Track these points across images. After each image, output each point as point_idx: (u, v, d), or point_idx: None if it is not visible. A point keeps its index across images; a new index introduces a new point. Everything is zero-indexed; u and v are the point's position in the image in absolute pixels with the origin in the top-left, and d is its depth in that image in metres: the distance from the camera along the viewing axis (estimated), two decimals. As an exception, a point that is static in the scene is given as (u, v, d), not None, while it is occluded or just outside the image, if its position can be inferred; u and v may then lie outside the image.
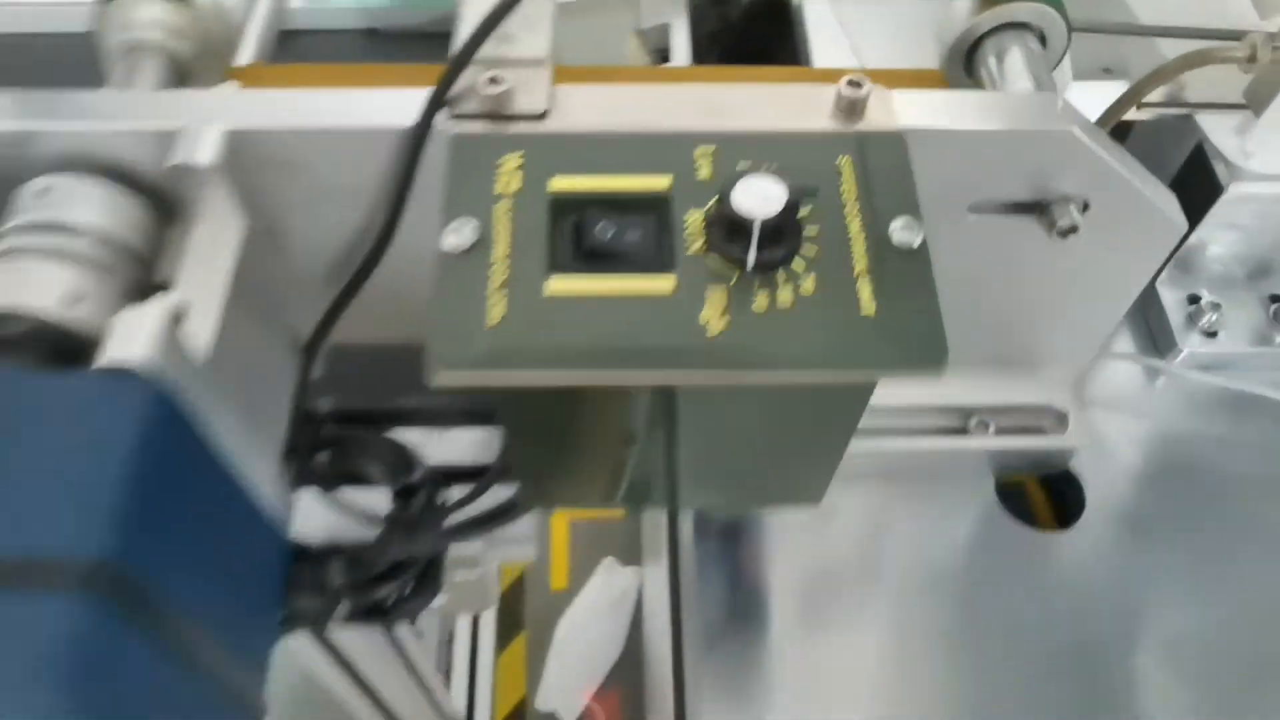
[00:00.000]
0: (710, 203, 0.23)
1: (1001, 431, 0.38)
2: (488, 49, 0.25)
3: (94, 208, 0.26)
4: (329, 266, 0.30)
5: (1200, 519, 0.38)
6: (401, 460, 0.34)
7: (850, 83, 0.26)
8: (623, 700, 1.27)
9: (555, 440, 0.26)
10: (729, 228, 0.22)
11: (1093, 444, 0.39)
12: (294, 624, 0.33)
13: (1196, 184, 0.39)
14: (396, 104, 0.26)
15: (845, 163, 0.25)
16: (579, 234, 0.23)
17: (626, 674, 1.28)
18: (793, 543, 0.37)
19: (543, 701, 1.26)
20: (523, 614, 1.34)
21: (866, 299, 0.22)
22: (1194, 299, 0.42)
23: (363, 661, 0.49)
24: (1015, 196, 0.29)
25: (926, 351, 0.22)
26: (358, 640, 0.44)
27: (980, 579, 0.37)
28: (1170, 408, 0.42)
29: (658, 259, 0.23)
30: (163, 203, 0.27)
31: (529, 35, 0.27)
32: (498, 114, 0.26)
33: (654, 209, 0.24)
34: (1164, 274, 0.42)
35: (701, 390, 0.23)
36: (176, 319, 0.23)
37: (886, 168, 0.25)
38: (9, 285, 0.24)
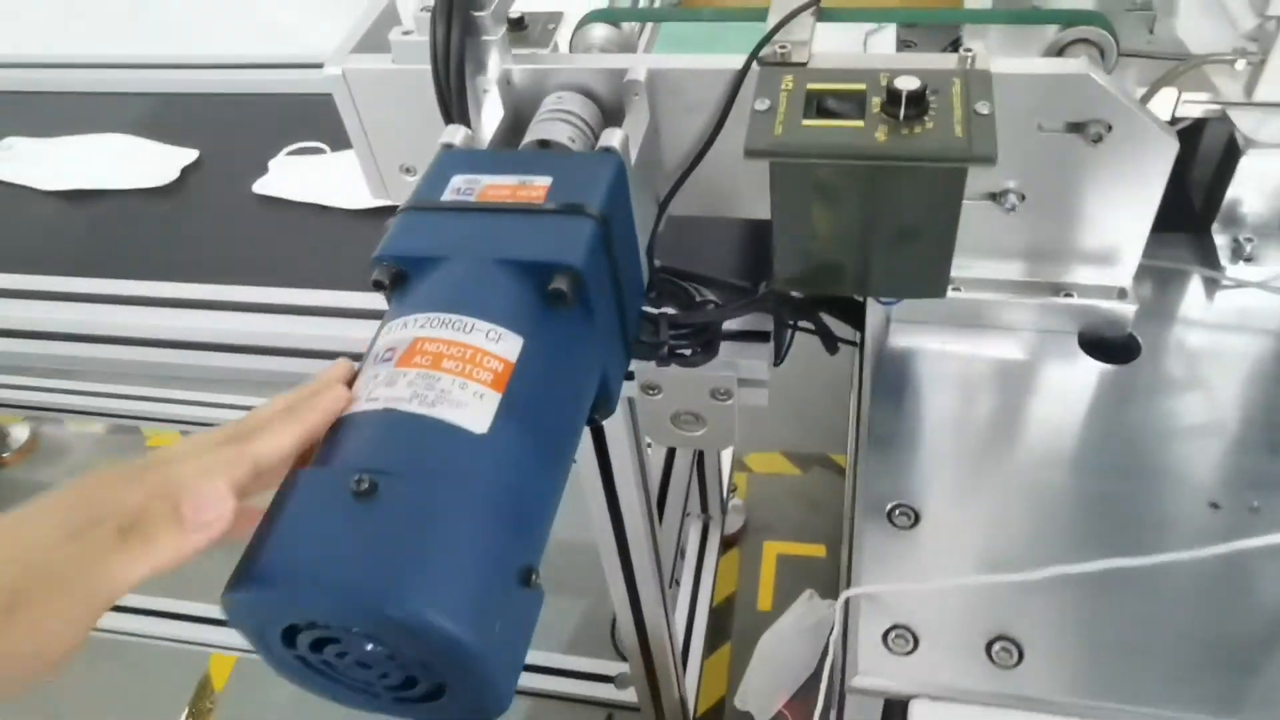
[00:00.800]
0: (886, 84, 0.48)
1: (1082, 296, 0.58)
2: (781, 34, 0.52)
3: (580, 105, 0.54)
4: (679, 155, 0.57)
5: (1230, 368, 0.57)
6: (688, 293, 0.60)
7: (966, 49, 0.50)
8: (811, 712, 1.42)
9: (800, 216, 0.50)
10: (891, 98, 0.47)
11: (1151, 319, 0.58)
12: (637, 351, 0.58)
13: (1228, 155, 0.60)
14: (729, 62, 0.53)
15: (958, 80, 0.49)
16: (820, 105, 0.49)
17: (816, 693, 1.43)
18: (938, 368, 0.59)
19: (741, 701, 1.44)
20: (730, 627, 1.54)
21: (960, 132, 0.46)
22: (1236, 239, 0.61)
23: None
24: (1066, 119, 0.52)
25: (989, 153, 0.45)
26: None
27: (1067, 398, 0.57)
28: (1219, 312, 0.61)
29: (857, 114, 0.48)
30: (605, 108, 0.55)
31: (799, 25, 0.53)
32: (783, 62, 0.52)
33: (855, 96, 0.49)
34: (1215, 224, 0.62)
35: (873, 171, 0.47)
36: (624, 142, 0.50)
37: (979, 83, 0.49)
38: (548, 130, 0.53)
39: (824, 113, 0.49)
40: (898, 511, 0.52)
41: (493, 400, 0.39)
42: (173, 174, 0.93)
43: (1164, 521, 0.50)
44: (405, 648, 0.35)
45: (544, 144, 0.52)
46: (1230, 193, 0.60)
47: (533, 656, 1.30)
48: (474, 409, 0.39)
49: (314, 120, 0.96)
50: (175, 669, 1.55)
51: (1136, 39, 0.63)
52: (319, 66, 1.02)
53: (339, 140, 0.93)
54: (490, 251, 0.44)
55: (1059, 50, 0.56)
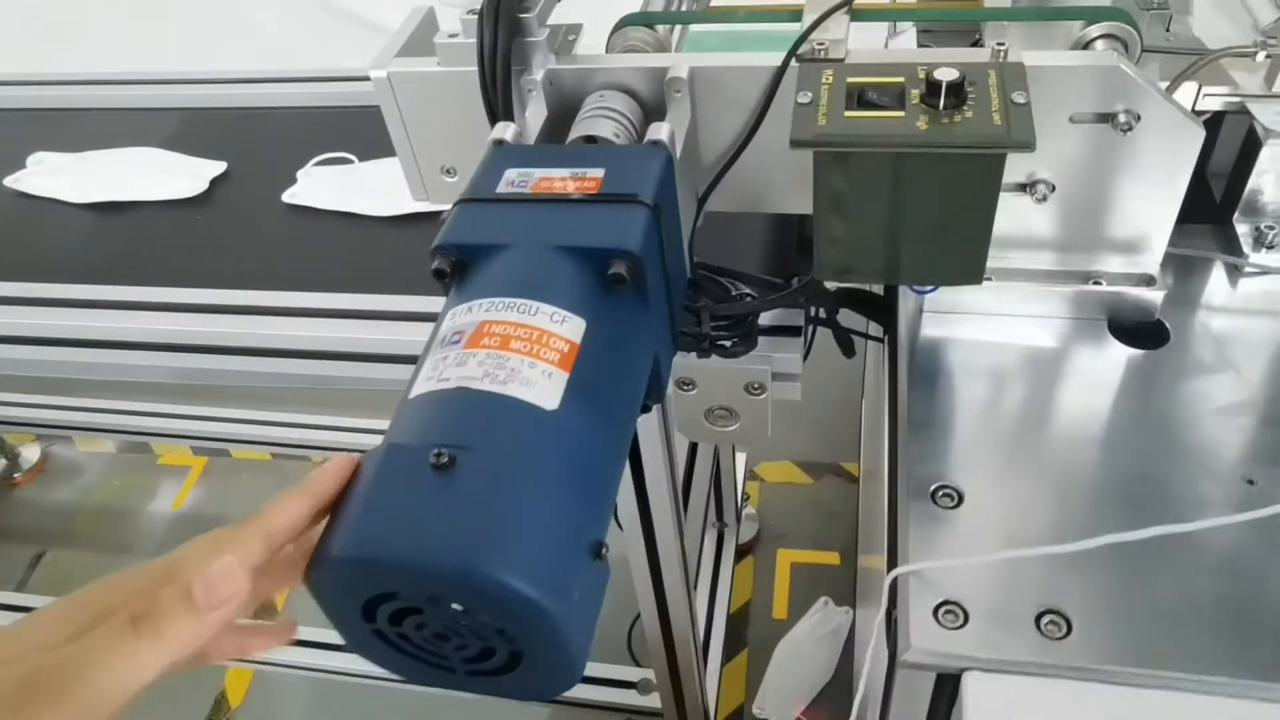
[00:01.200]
0: (924, 78, 0.50)
1: (1111, 283, 0.60)
2: (816, 32, 0.54)
3: (623, 103, 0.56)
4: (717, 152, 0.59)
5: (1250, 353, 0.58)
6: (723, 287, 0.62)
7: (999, 43, 0.52)
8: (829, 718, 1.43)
9: (842, 205, 0.52)
10: (930, 89, 0.49)
11: (1178, 306, 0.60)
12: (680, 343, 0.59)
13: (1248, 146, 0.62)
14: (768, 59, 0.55)
15: (993, 72, 0.51)
16: (860, 98, 0.50)
17: (833, 699, 1.44)
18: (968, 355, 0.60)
19: (759, 708, 1.44)
20: (747, 635, 1.54)
21: (999, 120, 0.48)
22: (1258, 228, 0.63)
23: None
24: (1096, 109, 0.54)
25: (1028, 139, 0.47)
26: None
27: (1099, 383, 0.59)
28: (1244, 298, 0.62)
29: (897, 105, 0.49)
30: (645, 106, 0.57)
31: (833, 24, 0.55)
32: (822, 59, 0.54)
33: (895, 89, 0.50)
34: (1237, 213, 0.64)
35: (916, 159, 0.49)
36: (670, 136, 0.52)
37: (1013, 74, 0.50)
38: (593, 127, 0.54)
39: (865, 104, 0.50)
40: (941, 493, 0.53)
41: (560, 379, 0.40)
42: (202, 185, 0.94)
43: (1202, 498, 0.51)
44: (487, 613, 0.36)
45: (590, 140, 0.54)
46: (1251, 183, 0.62)
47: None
48: (544, 387, 0.40)
49: (340, 133, 0.98)
50: (190, 685, 1.55)
51: (1154, 36, 0.65)
52: (343, 80, 1.04)
53: (366, 151, 0.95)
54: (550, 239, 0.45)
55: (1085, 45, 0.58)
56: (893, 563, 0.52)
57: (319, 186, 0.91)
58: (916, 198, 0.50)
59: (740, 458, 1.63)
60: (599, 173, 0.49)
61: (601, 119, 0.55)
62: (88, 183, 0.96)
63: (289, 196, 0.91)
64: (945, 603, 0.48)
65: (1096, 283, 0.60)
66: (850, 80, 0.51)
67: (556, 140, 0.57)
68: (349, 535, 0.36)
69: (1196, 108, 0.62)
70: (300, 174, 0.93)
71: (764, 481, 1.76)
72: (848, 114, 0.50)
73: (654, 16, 0.64)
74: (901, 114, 0.49)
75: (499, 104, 0.56)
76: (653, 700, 1.20)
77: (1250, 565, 0.48)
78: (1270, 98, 0.61)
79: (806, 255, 0.59)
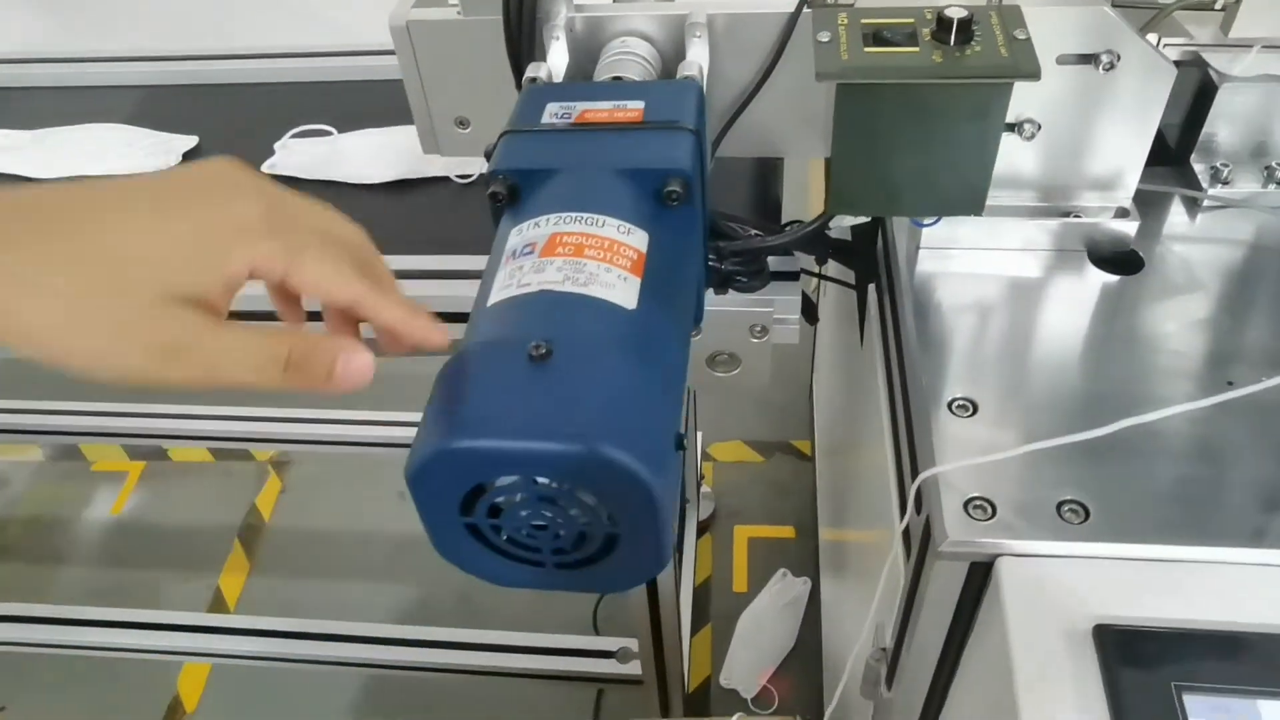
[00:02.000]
0: (933, 19, 0.54)
1: (1089, 217, 0.65)
2: (824, -22, 0.58)
3: (644, 49, 0.59)
4: (728, 99, 0.62)
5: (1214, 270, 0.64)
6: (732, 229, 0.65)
7: (994, -10, 0.57)
8: (793, 686, 1.47)
9: (861, 139, 0.55)
10: (941, 24, 0.53)
11: (1148, 237, 0.66)
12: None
13: (1202, 91, 0.68)
14: (781, 4, 0.58)
15: (994, 13, 0.55)
16: (877, 37, 0.54)
17: (797, 666, 1.48)
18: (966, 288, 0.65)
19: (726, 679, 1.47)
20: (709, 609, 1.58)
21: (1005, 53, 0.52)
22: (1214, 166, 0.69)
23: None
24: (1082, 50, 0.59)
25: (1034, 69, 0.51)
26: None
27: (1086, 305, 0.64)
28: (1206, 228, 0.68)
29: (910, 43, 0.53)
30: (663, 48, 0.60)
31: (843, -27, 0.59)
32: (835, 4, 0.57)
33: (907, 28, 0.54)
34: (1194, 154, 0.70)
35: (934, 90, 0.53)
36: (701, 72, 0.55)
37: (1011, 15, 0.55)
38: (619, 69, 0.57)
39: (880, 42, 0.54)
40: (956, 404, 0.57)
41: (634, 283, 0.43)
42: (173, 159, 0.93)
43: (1192, 397, 0.56)
44: (594, 492, 0.38)
45: (618, 80, 0.56)
46: (1207, 126, 0.68)
47: (516, 637, 1.31)
48: (622, 289, 0.42)
49: (314, 106, 0.98)
50: (141, 689, 1.51)
51: (1113, -6, 0.71)
52: (316, 55, 1.04)
53: (345, 123, 0.96)
54: (605, 163, 0.48)
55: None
56: (915, 471, 0.56)
57: (298, 158, 0.91)
58: (931, 128, 0.54)
59: (698, 436, 1.66)
60: (639, 105, 0.51)
61: (628, 61, 0.58)
62: (50, 158, 0.94)
63: (268, 168, 0.91)
64: (973, 499, 0.52)
65: (1077, 216, 0.66)
66: (865, 21, 0.55)
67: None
68: (460, 423, 0.37)
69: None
70: (278, 146, 0.93)
71: (717, 461, 1.80)
72: (867, 50, 0.53)
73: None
74: (916, 50, 0.53)
75: (525, 51, 0.58)
76: (632, 668, 1.21)
77: (1247, 445, 0.53)
78: (1224, 46, 0.67)
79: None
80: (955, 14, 0.53)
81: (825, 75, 0.53)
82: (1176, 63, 0.67)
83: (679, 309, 0.47)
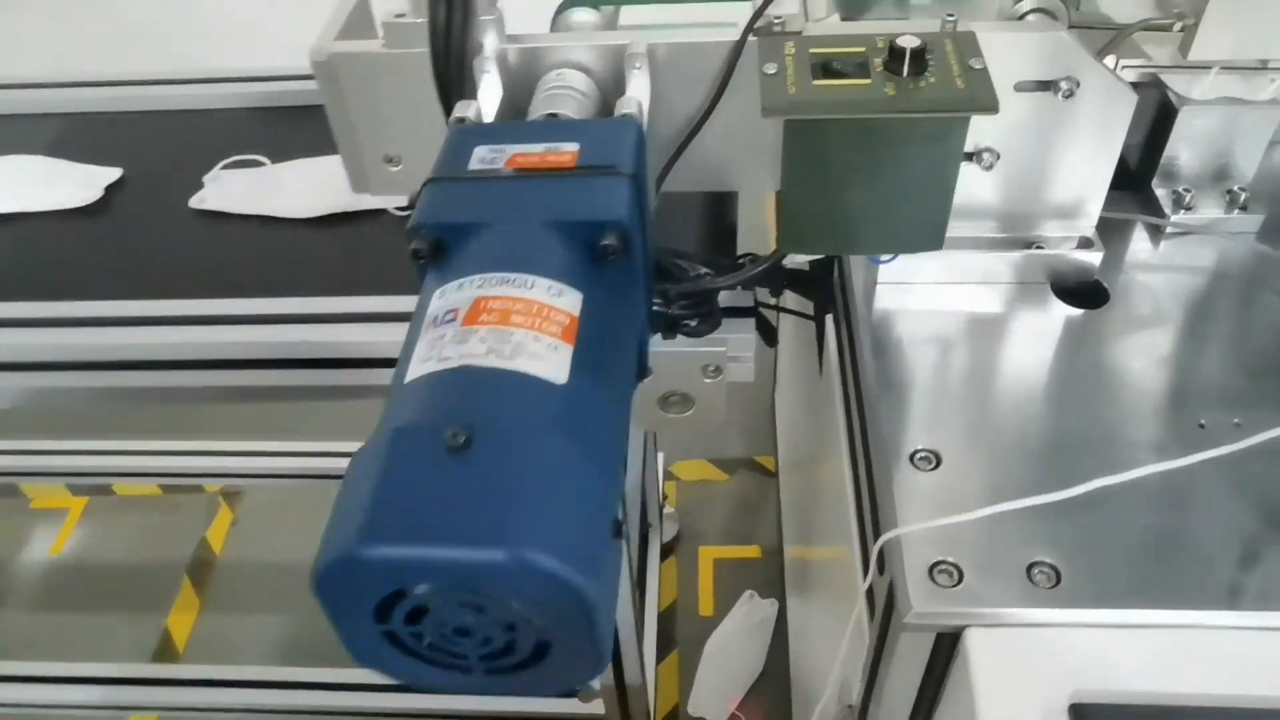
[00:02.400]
0: (884, 47, 0.50)
1: (1052, 247, 0.62)
2: (770, 9, 0.54)
3: (581, 81, 0.55)
4: (672, 131, 0.58)
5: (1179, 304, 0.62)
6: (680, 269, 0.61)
7: (949, 14, 0.53)
8: (763, 712, 1.44)
9: (812, 175, 0.52)
10: (894, 55, 0.49)
11: (1112, 268, 0.63)
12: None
13: (1162, 114, 0.65)
14: (725, 34, 0.55)
15: (948, 41, 0.52)
16: (826, 68, 0.51)
17: (766, 692, 1.45)
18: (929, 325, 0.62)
19: (694, 708, 1.44)
20: (675, 634, 1.54)
21: (961, 85, 0.49)
22: (1176, 191, 0.67)
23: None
24: (1040, 77, 0.56)
25: (991, 102, 0.48)
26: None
27: (1050, 341, 0.61)
28: (1170, 256, 0.66)
29: (861, 74, 0.50)
30: (601, 81, 0.56)
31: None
32: (781, 32, 0.54)
33: (858, 58, 0.51)
34: (1155, 179, 0.67)
35: (888, 124, 0.49)
36: (640, 109, 0.51)
37: (966, 43, 0.52)
38: (554, 104, 0.53)
39: (830, 74, 0.51)
40: (919, 456, 0.54)
41: (566, 352, 0.39)
42: (95, 193, 0.88)
43: (1163, 442, 0.53)
44: (519, 599, 0.34)
45: (553, 117, 0.53)
46: (1168, 150, 0.66)
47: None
48: (551, 361, 0.38)
49: (247, 134, 0.93)
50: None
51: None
52: (247, 80, 0.99)
53: (278, 152, 0.91)
54: (535, 214, 0.44)
55: (1019, 17, 0.60)
56: (878, 530, 0.53)
57: (229, 191, 0.86)
58: (885, 163, 0.51)
59: (659, 457, 1.62)
60: (573, 147, 0.48)
61: (563, 97, 0.54)
62: (-39, 196, 0.88)
63: (197, 202, 0.86)
64: (939, 563, 0.49)
65: (1039, 247, 0.63)
66: (813, 51, 0.52)
67: (515, 120, 0.55)
68: (367, 529, 0.33)
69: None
70: (207, 179, 0.88)
71: (680, 481, 1.77)
72: (816, 83, 0.50)
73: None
74: (868, 81, 0.50)
75: (455, 85, 0.54)
76: (595, 707, 1.18)
77: (1222, 499, 0.50)
78: (1183, 68, 0.65)
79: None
80: (908, 43, 0.49)
81: (771, 111, 0.49)
82: (1135, 84, 0.65)
83: (617, 374, 0.43)
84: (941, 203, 0.53)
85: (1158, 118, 0.67)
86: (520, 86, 0.57)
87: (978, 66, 0.50)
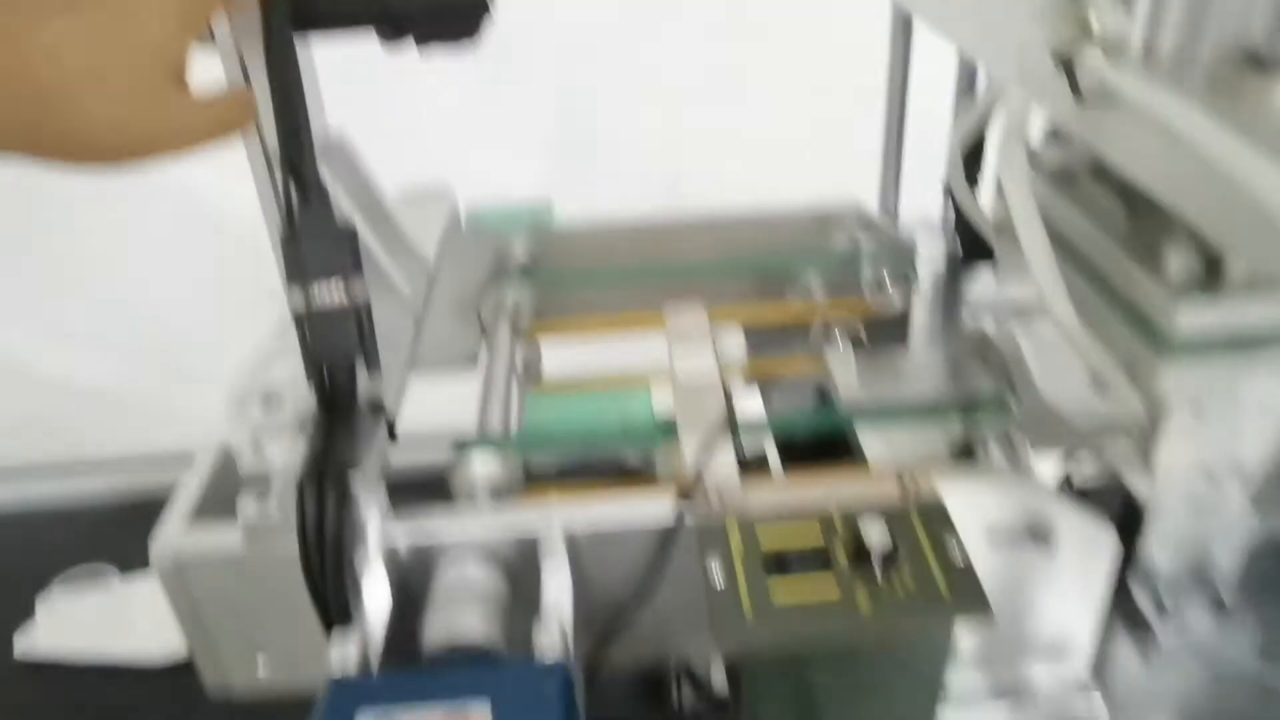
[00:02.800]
0: (843, 532, 0.43)
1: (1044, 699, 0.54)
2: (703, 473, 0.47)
3: (485, 575, 0.46)
4: (606, 609, 0.49)
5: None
6: None
7: (908, 474, 0.47)
8: None
9: (779, 698, 0.43)
10: (860, 554, 0.42)
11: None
12: None
13: (1128, 515, 0.60)
14: (654, 511, 0.47)
15: (915, 518, 0.45)
16: (781, 563, 0.43)
17: None
18: None
19: None
20: None
21: (944, 588, 0.42)
22: (1155, 592, 0.61)
23: None
24: (1011, 528, 0.49)
25: (986, 609, 0.41)
26: None
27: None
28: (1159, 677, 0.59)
29: (824, 564, 0.42)
30: (510, 564, 0.47)
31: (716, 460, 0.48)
32: (716, 511, 0.47)
33: (818, 552, 0.44)
34: (1131, 576, 0.61)
35: (860, 646, 0.41)
36: (563, 629, 0.42)
37: (937, 519, 0.45)
38: (456, 620, 0.43)
39: (786, 568, 0.43)
40: None
41: None
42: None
43: None
44: None
45: (455, 650, 0.43)
46: (1140, 549, 0.60)
47: None
48: None
49: (91, 533, 0.80)
50: None
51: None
52: (81, 475, 0.87)
53: (130, 558, 0.78)
54: None
55: (966, 445, 0.55)
56: None
57: (66, 624, 0.72)
58: (863, 682, 0.43)
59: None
60: (483, 709, 0.38)
61: (466, 609, 0.44)
62: None
63: (24, 647, 0.71)
64: None
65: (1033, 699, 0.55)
66: (765, 548, 0.44)
67: (409, 629, 0.45)
68: None
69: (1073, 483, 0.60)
70: (40, 605, 0.74)
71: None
72: (778, 601, 0.42)
73: (495, 441, 0.55)
74: (833, 579, 0.42)
75: (333, 590, 0.45)
76: None
77: None
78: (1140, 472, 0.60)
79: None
80: (877, 543, 0.42)
81: (729, 651, 0.41)
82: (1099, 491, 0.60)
83: None
84: (928, 704, 0.45)
85: (1125, 517, 0.62)
86: (414, 576, 0.47)
87: (960, 563, 0.43)
